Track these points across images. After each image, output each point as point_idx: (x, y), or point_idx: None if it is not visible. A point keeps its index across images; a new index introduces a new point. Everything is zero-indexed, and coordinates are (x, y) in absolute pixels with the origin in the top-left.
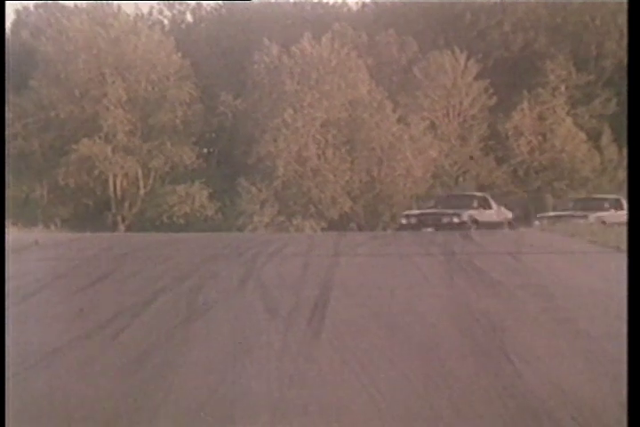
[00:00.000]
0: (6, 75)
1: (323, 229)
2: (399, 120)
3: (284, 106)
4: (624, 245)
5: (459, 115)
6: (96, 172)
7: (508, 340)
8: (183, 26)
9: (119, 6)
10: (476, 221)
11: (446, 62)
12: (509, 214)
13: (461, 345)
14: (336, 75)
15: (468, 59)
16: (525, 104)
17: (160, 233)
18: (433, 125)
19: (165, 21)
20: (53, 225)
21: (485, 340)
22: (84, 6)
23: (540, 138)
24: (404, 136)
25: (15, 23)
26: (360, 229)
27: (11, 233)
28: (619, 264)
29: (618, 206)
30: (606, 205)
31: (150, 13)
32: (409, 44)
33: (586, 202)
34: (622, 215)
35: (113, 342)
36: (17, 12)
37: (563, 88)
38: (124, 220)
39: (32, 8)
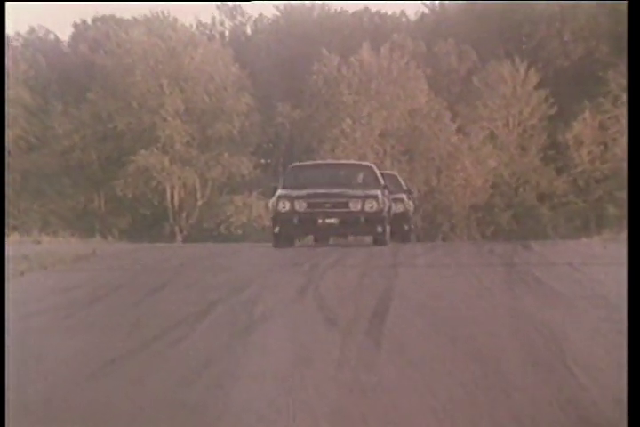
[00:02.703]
0: (61, 86)
1: None
2: (458, 130)
3: (342, 116)
4: None
5: (518, 124)
6: (153, 182)
7: (570, 351)
8: (242, 37)
9: (177, 18)
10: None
11: (506, 72)
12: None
13: (522, 356)
14: (395, 85)
15: (528, 68)
16: (587, 113)
17: (217, 243)
18: (492, 135)
19: (226, 33)
20: (111, 235)
21: (547, 351)
22: (142, 19)
23: (601, 147)
24: (462, 146)
25: (73, 37)
26: (418, 239)
27: (70, 243)
28: None
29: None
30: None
31: (213, 24)
32: (468, 54)
33: None
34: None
35: (171, 353)
36: (75, 25)
37: (624, 97)
38: (181, 230)
39: (90, 22)
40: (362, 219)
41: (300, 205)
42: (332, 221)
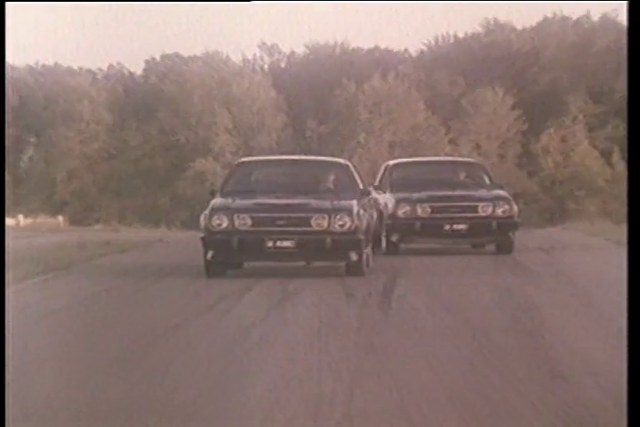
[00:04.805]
0: (135, 108)
1: None
2: (450, 141)
3: (358, 131)
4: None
5: (498, 137)
6: (208, 184)
7: (543, 319)
8: (279, 70)
9: (228, 55)
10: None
11: (488, 96)
12: None
13: (506, 323)
14: (400, 106)
15: (505, 93)
16: (552, 129)
17: None
18: (478, 146)
19: (265, 66)
20: (174, 226)
21: (525, 320)
22: (200, 55)
23: (563, 156)
24: (454, 154)
25: (145, 70)
26: None
27: (143, 232)
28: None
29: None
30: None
31: (255, 60)
32: (458, 82)
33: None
34: None
35: (221, 321)
36: (146, 61)
37: (581, 116)
38: None
39: (158, 58)
40: (328, 241)
41: (243, 222)
42: (288, 244)
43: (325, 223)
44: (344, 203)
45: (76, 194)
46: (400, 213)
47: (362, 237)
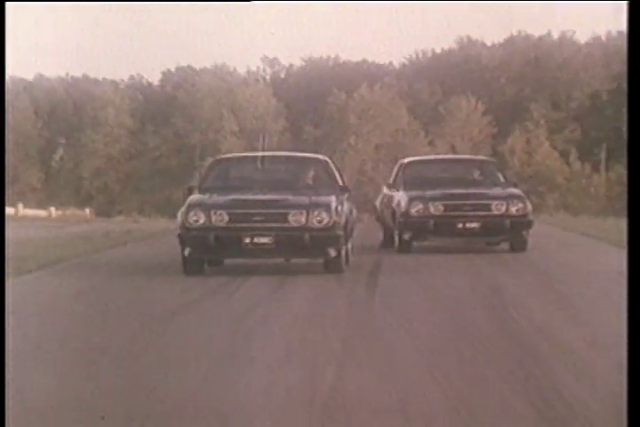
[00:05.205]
0: (153, 114)
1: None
2: (429, 143)
3: (349, 134)
4: (601, 234)
5: (471, 140)
6: None
7: (511, 300)
8: (279, 80)
9: (234, 67)
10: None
11: (462, 103)
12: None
13: (479, 303)
14: (385, 112)
15: (477, 101)
16: (517, 132)
17: None
18: (453, 147)
19: (267, 77)
20: None
21: (495, 301)
22: (210, 67)
23: (527, 155)
24: (432, 154)
25: (162, 80)
26: None
27: (161, 223)
28: (598, 249)
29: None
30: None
31: (258, 71)
32: (436, 91)
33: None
34: None
35: (228, 300)
36: (163, 73)
37: (542, 122)
38: None
39: (174, 70)
40: (306, 237)
41: (220, 218)
42: (265, 240)
43: (303, 219)
44: (322, 199)
45: (101, 189)
46: (413, 211)
47: (340, 233)
